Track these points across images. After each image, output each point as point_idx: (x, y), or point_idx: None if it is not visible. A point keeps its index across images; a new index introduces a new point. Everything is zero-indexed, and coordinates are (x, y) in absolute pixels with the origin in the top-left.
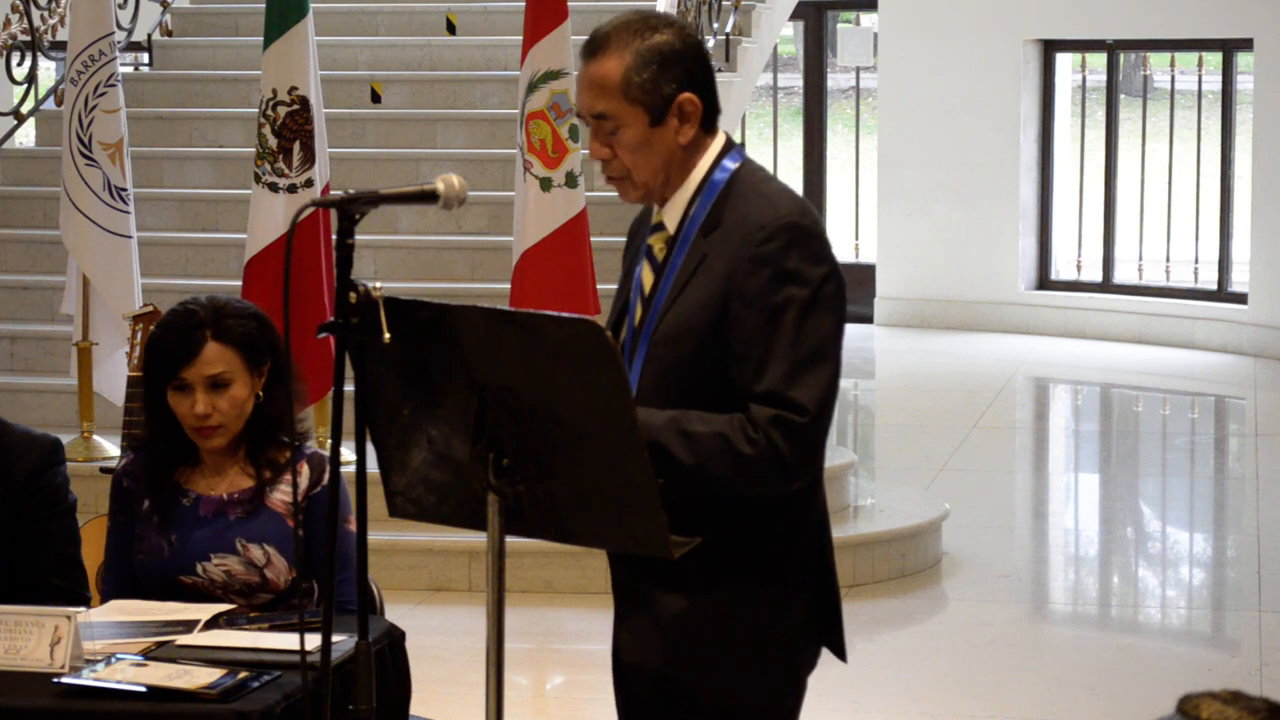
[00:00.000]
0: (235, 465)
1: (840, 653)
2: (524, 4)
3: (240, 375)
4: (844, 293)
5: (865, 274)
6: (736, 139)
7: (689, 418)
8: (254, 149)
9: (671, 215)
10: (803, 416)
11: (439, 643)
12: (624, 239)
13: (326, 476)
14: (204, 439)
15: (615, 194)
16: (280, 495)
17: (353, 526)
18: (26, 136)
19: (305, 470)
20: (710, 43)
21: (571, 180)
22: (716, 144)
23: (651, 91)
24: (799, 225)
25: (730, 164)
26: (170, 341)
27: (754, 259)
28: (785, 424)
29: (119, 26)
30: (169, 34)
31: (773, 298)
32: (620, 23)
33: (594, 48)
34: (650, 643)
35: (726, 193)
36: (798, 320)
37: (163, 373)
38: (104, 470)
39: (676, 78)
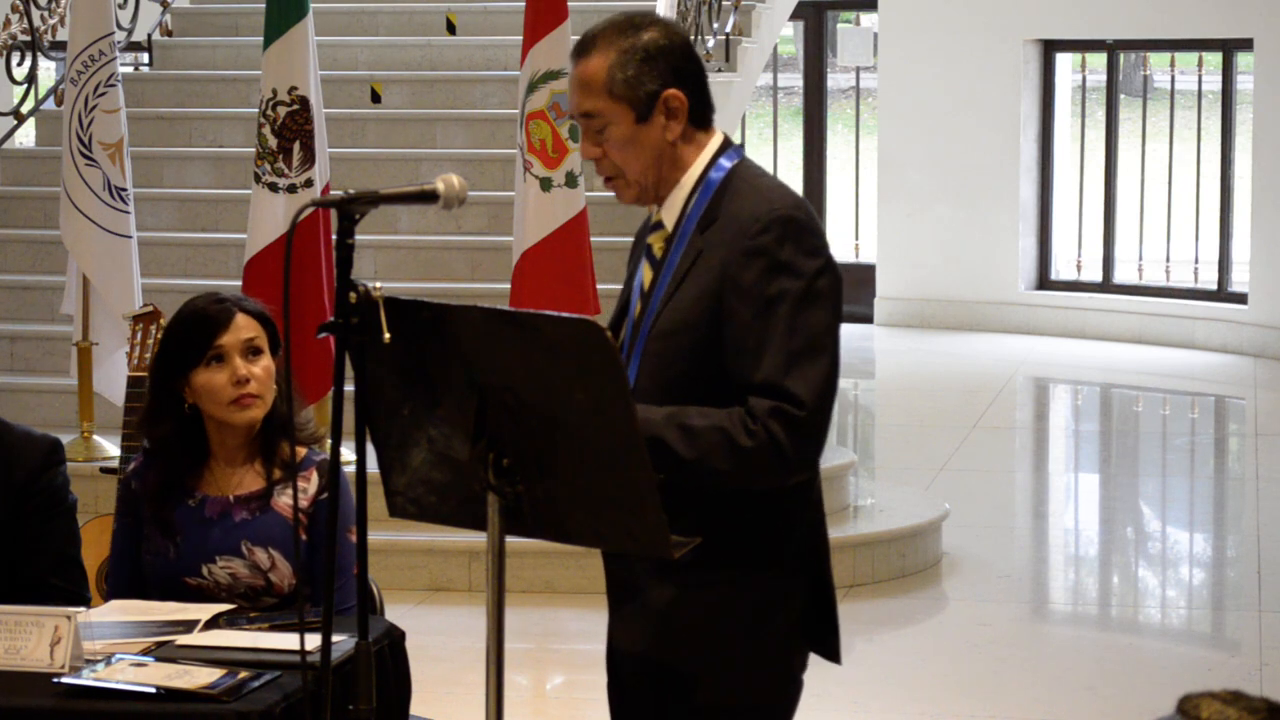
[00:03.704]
0: (247, 463)
1: (834, 656)
2: (524, 4)
3: (267, 348)
4: (839, 287)
5: (865, 274)
6: (736, 139)
7: (687, 412)
8: (254, 149)
9: (669, 213)
10: (800, 409)
11: (439, 643)
12: (624, 238)
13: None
14: (244, 409)
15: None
16: (288, 499)
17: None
18: (26, 136)
19: (314, 476)
20: (710, 43)
21: (571, 180)
22: (714, 142)
23: (635, 87)
24: (793, 218)
25: (727, 162)
26: (201, 316)
27: (747, 251)
28: (784, 415)
29: (119, 26)
30: (169, 34)
31: (766, 289)
32: (608, 23)
33: (582, 48)
34: (641, 631)
35: (723, 189)
36: (792, 312)
37: (195, 350)
38: (104, 470)
39: (661, 74)
